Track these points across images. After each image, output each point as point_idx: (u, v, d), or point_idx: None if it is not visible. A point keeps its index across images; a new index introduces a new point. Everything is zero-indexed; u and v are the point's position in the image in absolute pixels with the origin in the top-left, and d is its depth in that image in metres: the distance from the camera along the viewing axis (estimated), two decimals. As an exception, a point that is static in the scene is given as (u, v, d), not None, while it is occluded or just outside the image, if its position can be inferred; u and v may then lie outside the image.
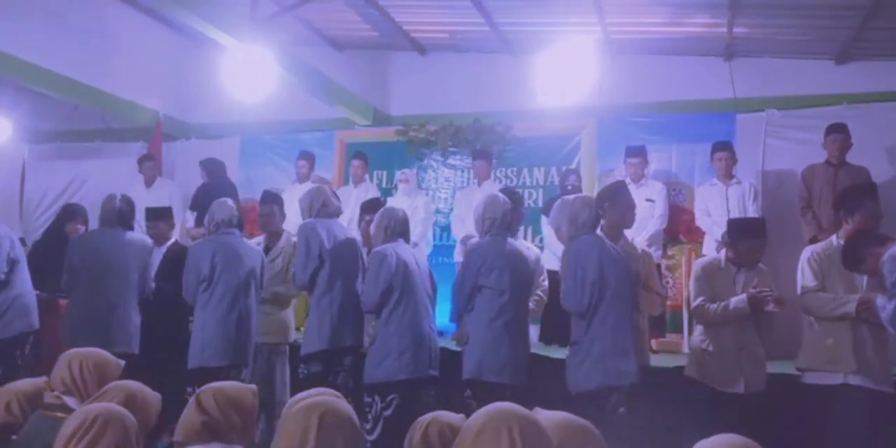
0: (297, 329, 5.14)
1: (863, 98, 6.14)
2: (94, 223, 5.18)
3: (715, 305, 3.66)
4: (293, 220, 4.97)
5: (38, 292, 4.90)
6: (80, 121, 8.26)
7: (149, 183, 7.09)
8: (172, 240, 5.12)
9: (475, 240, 4.14)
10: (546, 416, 1.69)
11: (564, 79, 5.18)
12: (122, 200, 4.59)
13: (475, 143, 6.94)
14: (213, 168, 6.79)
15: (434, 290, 4.12)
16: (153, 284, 4.68)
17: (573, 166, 6.55)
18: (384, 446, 3.64)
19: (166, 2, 5.20)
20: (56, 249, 4.98)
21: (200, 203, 6.11)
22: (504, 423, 1.50)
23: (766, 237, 3.78)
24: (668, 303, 5.55)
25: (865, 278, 3.51)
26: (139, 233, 4.85)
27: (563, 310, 3.87)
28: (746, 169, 5.90)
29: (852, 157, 5.35)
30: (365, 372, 3.82)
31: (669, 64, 6.92)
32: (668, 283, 5.92)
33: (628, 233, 3.97)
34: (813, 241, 4.85)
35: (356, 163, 6.76)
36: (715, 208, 5.64)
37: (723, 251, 3.95)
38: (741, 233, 3.77)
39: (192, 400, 2.21)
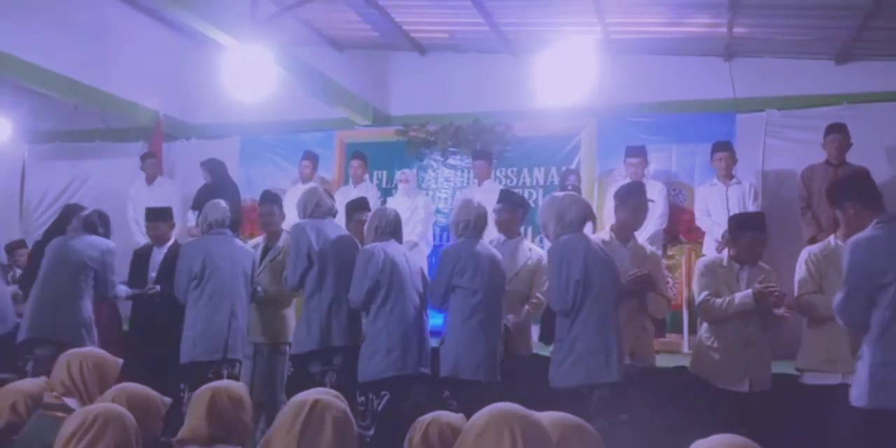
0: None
1: (863, 98, 6.14)
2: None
3: (720, 301, 3.66)
4: (293, 220, 4.97)
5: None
6: (80, 121, 8.27)
7: (150, 180, 7.09)
8: (172, 240, 5.12)
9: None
10: (545, 417, 1.69)
11: (564, 79, 5.19)
12: (96, 214, 4.70)
13: (475, 143, 6.94)
14: (214, 168, 6.80)
15: (426, 289, 4.12)
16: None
17: (573, 166, 6.55)
18: (381, 443, 3.65)
19: (166, 2, 5.20)
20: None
21: (203, 203, 6.09)
22: (506, 424, 1.51)
23: (766, 231, 3.79)
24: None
25: None
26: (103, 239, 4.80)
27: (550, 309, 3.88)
28: (746, 169, 5.91)
29: (852, 157, 5.35)
30: (358, 371, 3.84)
31: (669, 64, 6.92)
32: (668, 283, 5.91)
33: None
34: (812, 241, 4.85)
35: (356, 163, 6.76)
36: (715, 208, 5.64)
37: (725, 251, 3.96)
38: (741, 227, 3.79)
39: (196, 399, 2.21)
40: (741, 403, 3.56)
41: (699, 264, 3.95)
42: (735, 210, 5.44)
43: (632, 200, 3.81)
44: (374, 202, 6.45)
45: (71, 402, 2.41)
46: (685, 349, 5.12)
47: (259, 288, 4.58)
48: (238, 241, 4.55)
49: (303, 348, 4.04)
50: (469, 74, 7.45)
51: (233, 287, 4.28)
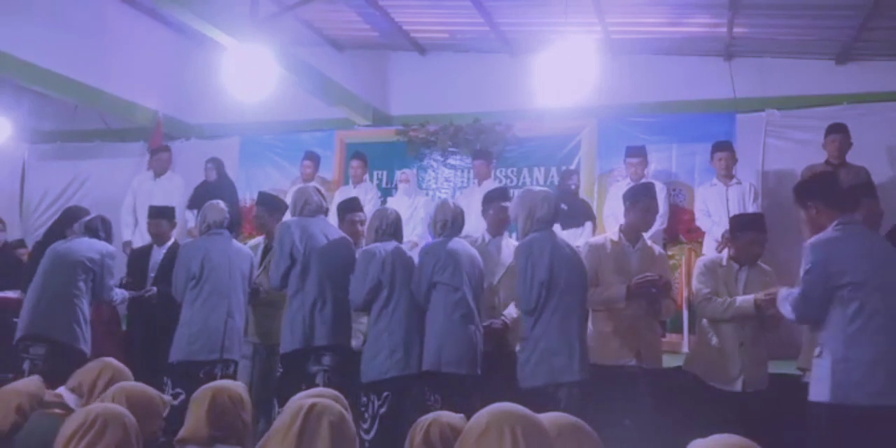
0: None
1: (863, 98, 6.14)
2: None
3: (720, 300, 3.68)
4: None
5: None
6: (80, 121, 8.27)
7: (159, 174, 6.96)
8: (172, 240, 5.12)
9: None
10: (545, 417, 1.69)
11: (564, 79, 5.19)
12: (98, 219, 4.71)
13: (475, 143, 6.94)
14: (219, 166, 6.81)
15: None
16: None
17: (573, 166, 6.55)
18: (381, 445, 3.65)
19: (166, 2, 5.20)
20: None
21: (201, 201, 6.08)
22: (507, 424, 1.51)
23: (765, 232, 3.80)
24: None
25: None
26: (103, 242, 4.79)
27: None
28: (746, 169, 5.90)
29: (852, 157, 5.34)
30: (361, 371, 3.84)
31: (669, 64, 6.92)
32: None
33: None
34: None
35: (355, 163, 6.75)
36: (715, 208, 5.64)
37: (725, 251, 3.97)
38: (741, 227, 3.81)
39: (197, 399, 2.21)
40: (734, 403, 3.56)
41: (698, 263, 3.97)
42: (735, 210, 5.44)
43: (642, 201, 3.82)
44: (374, 202, 6.47)
45: (70, 400, 2.41)
46: (685, 349, 5.12)
47: (262, 288, 4.57)
48: (236, 242, 4.55)
49: (286, 348, 4.03)
50: (469, 74, 7.45)
51: (230, 287, 4.28)
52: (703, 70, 6.84)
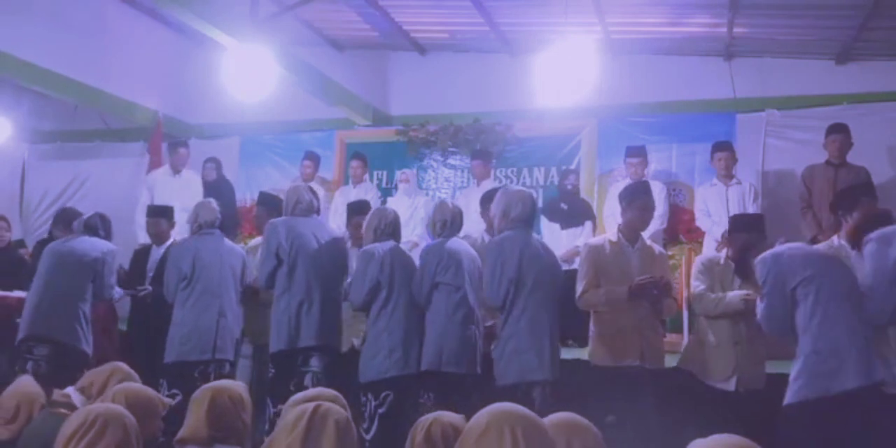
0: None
1: (863, 98, 6.14)
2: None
3: (713, 296, 3.71)
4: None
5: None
6: (80, 121, 8.26)
7: (177, 170, 6.80)
8: (171, 240, 5.11)
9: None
10: (548, 417, 1.69)
11: (564, 79, 5.19)
12: (97, 216, 4.71)
13: (475, 143, 6.94)
14: (218, 167, 6.81)
15: None
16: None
17: (573, 166, 6.55)
18: (381, 444, 3.65)
19: (166, 2, 5.19)
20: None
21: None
22: (507, 424, 1.51)
23: (763, 232, 3.82)
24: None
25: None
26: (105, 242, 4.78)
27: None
28: (746, 169, 5.91)
29: (853, 158, 5.35)
30: (359, 371, 3.84)
31: (669, 64, 6.92)
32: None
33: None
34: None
35: (355, 163, 6.75)
36: (715, 208, 5.64)
37: (724, 251, 3.98)
38: (739, 227, 3.83)
39: (197, 399, 2.21)
40: (734, 403, 3.57)
41: (697, 262, 4.00)
42: (735, 210, 5.44)
43: (638, 200, 3.82)
44: (374, 202, 6.44)
45: (78, 400, 2.41)
46: (685, 346, 5.12)
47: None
48: (227, 241, 4.53)
49: (273, 348, 4.03)
50: (469, 74, 7.45)
51: (222, 287, 4.27)
52: (703, 70, 6.84)
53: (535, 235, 3.77)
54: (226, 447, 2.17)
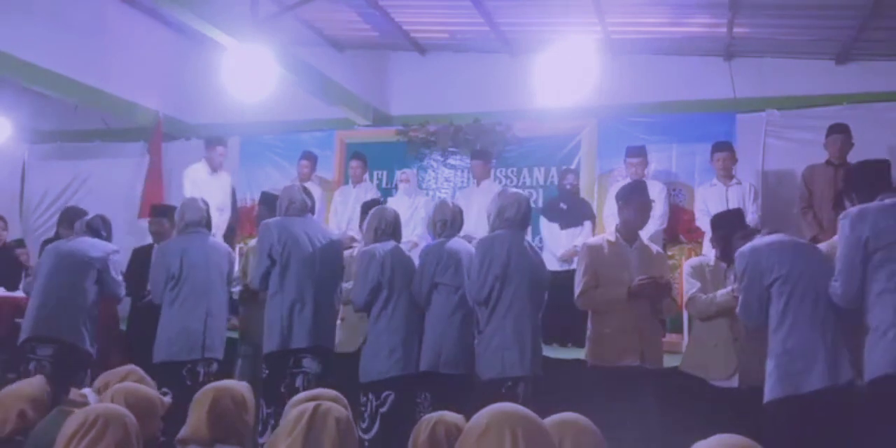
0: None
1: (863, 98, 6.14)
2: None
3: (704, 297, 3.73)
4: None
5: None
6: (80, 121, 8.26)
7: (215, 169, 6.60)
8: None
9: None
10: (550, 418, 1.69)
11: (564, 79, 5.19)
12: (99, 218, 4.72)
13: (475, 143, 6.94)
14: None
15: None
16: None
17: (573, 166, 6.55)
18: (382, 444, 3.66)
19: (166, 2, 5.19)
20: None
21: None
22: (507, 424, 1.50)
23: (744, 224, 3.90)
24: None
25: None
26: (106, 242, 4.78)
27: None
28: (746, 169, 5.91)
29: (853, 158, 5.33)
30: (359, 371, 3.85)
31: (669, 64, 6.92)
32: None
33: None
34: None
35: (354, 163, 6.74)
36: (715, 208, 5.61)
37: (713, 252, 4.01)
38: (719, 225, 3.88)
39: (198, 399, 2.21)
40: (734, 400, 3.57)
41: (686, 266, 4.03)
42: (735, 210, 5.45)
43: (634, 199, 3.83)
44: (375, 202, 6.46)
45: (94, 400, 2.41)
46: (685, 349, 5.12)
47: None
48: (213, 239, 4.52)
49: (265, 349, 4.03)
50: (469, 74, 7.45)
51: (209, 286, 4.26)
52: (703, 70, 6.84)
53: (526, 238, 3.81)
54: (227, 447, 2.17)
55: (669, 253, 6.04)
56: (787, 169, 5.93)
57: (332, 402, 1.95)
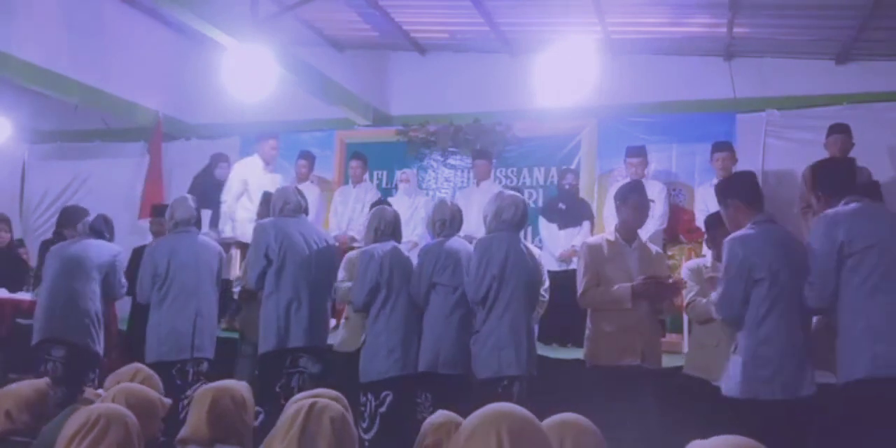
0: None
1: (863, 98, 6.14)
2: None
3: (703, 300, 3.71)
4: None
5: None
6: (80, 121, 8.26)
7: (268, 162, 6.55)
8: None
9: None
10: (549, 418, 1.69)
11: (564, 79, 5.19)
12: (101, 219, 4.72)
13: (475, 143, 6.94)
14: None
15: None
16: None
17: (573, 166, 6.55)
18: (382, 444, 3.66)
19: (166, 2, 5.19)
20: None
21: (201, 195, 5.94)
22: (493, 426, 1.48)
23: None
24: (669, 303, 5.57)
25: None
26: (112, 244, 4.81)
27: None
28: (746, 169, 5.89)
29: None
30: (359, 371, 3.85)
31: (669, 64, 6.92)
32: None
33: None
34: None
35: (354, 163, 6.74)
36: (715, 208, 5.63)
37: (710, 253, 4.00)
38: (712, 225, 3.86)
39: (198, 399, 2.21)
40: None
41: (683, 269, 4.03)
42: (735, 210, 5.44)
43: (632, 199, 3.83)
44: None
45: None
46: (685, 349, 5.12)
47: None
48: (203, 238, 4.50)
49: (262, 349, 4.03)
50: (469, 74, 7.45)
51: (198, 285, 4.26)
52: (703, 70, 6.84)
53: (522, 240, 3.85)
54: (226, 447, 2.17)
55: (669, 253, 6.04)
56: (787, 169, 5.92)
57: (332, 400, 1.96)
